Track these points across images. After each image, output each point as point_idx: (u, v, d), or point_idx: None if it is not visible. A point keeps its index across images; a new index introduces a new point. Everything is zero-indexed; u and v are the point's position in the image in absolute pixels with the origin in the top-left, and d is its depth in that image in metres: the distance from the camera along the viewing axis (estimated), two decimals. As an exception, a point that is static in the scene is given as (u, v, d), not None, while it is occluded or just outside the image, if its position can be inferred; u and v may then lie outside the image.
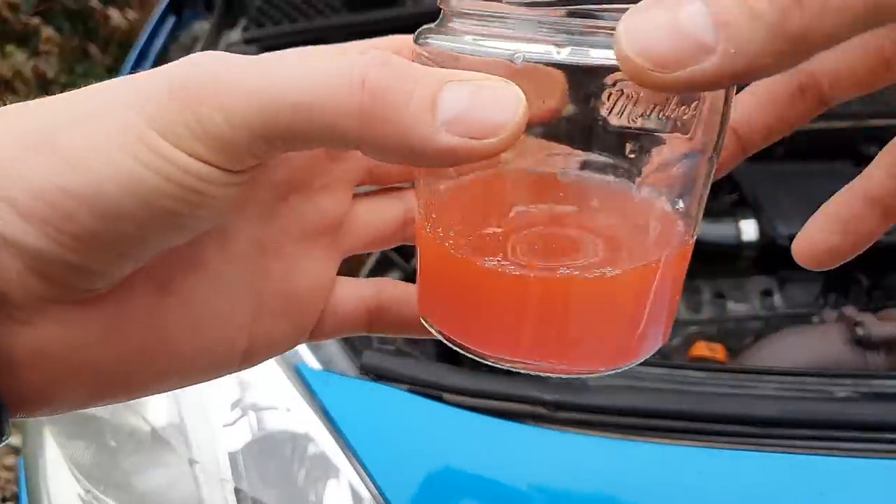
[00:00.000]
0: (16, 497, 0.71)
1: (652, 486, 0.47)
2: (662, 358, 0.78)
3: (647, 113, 0.17)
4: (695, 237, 0.21)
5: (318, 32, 0.89)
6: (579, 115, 0.17)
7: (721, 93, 0.18)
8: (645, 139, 0.18)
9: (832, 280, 0.81)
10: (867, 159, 0.82)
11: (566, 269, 0.19)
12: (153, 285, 0.19)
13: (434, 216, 0.20)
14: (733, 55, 0.14)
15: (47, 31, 1.81)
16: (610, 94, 0.17)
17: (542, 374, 0.21)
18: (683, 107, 0.17)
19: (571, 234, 0.19)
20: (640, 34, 0.14)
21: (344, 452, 0.48)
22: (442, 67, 0.17)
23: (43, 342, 0.17)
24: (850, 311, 0.70)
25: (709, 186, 0.20)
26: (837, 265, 0.23)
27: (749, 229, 0.77)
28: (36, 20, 1.81)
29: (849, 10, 0.13)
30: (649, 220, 0.19)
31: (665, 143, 0.18)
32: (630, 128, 0.17)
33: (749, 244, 0.77)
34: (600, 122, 0.17)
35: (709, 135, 0.18)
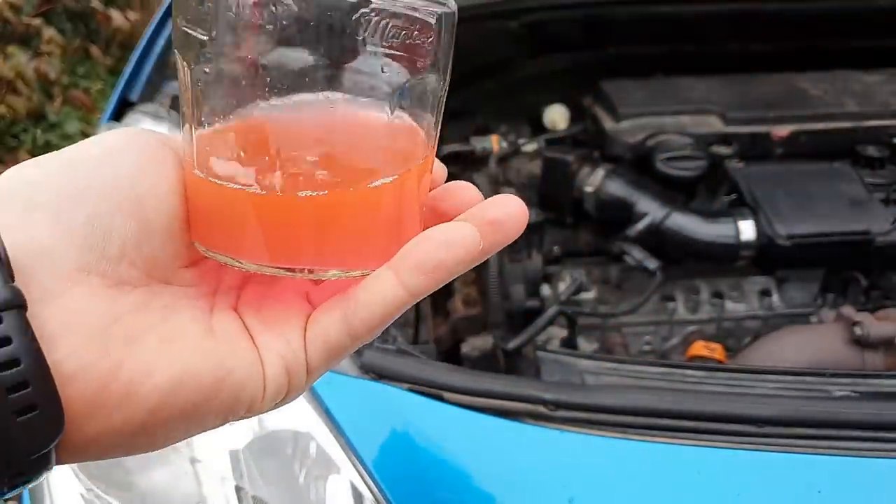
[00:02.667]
0: (18, 496, 0.71)
1: (651, 484, 0.47)
2: (661, 357, 0.78)
3: (395, 37, 0.21)
4: (434, 151, 0.24)
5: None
6: (339, 37, 0.20)
7: (450, 26, 0.22)
8: (390, 62, 0.21)
9: (830, 280, 0.81)
10: (865, 160, 0.83)
11: (310, 192, 0.21)
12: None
13: (199, 143, 0.22)
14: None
15: (49, 32, 1.82)
16: (364, 21, 0.20)
17: (293, 275, 0.23)
18: (421, 35, 0.21)
19: (319, 152, 0.22)
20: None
21: (345, 451, 0.48)
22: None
23: (76, 315, 0.19)
24: (848, 310, 0.70)
25: (442, 107, 0.24)
26: None
27: (747, 229, 0.77)
28: (38, 21, 1.81)
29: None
30: (392, 137, 0.22)
31: (407, 66, 0.21)
32: (378, 51, 0.21)
33: (747, 244, 0.77)
34: (357, 44, 0.20)
35: (440, 63, 0.23)
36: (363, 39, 0.20)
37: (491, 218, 0.23)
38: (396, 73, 0.21)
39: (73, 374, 0.19)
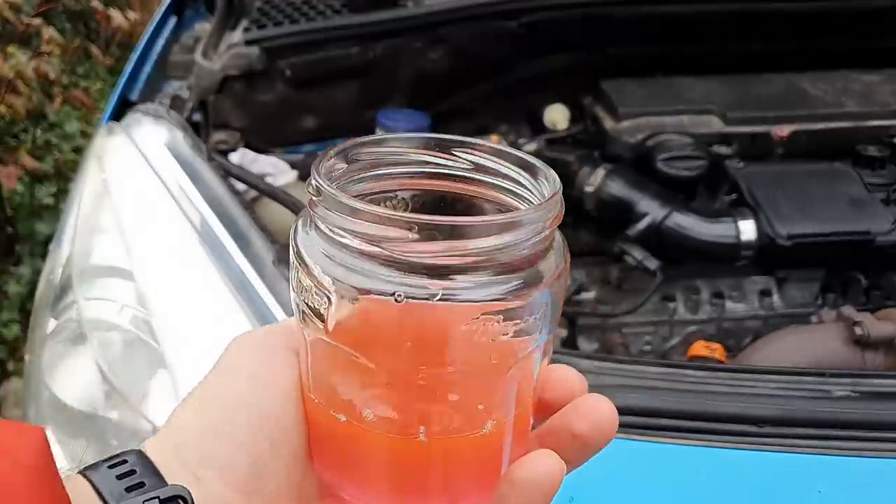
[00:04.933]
0: None
1: (651, 484, 0.47)
2: (661, 357, 0.78)
3: (507, 331, 0.21)
4: (536, 396, 0.25)
5: (319, 33, 0.90)
6: (450, 336, 0.21)
7: (557, 295, 0.23)
8: (508, 344, 0.22)
9: (831, 280, 0.81)
10: (865, 160, 0.82)
11: (422, 437, 0.22)
12: None
13: (314, 380, 0.23)
14: None
15: (49, 32, 1.81)
16: (477, 322, 0.21)
17: None
18: (533, 316, 0.22)
19: (436, 403, 0.22)
20: None
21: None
22: (322, 283, 0.21)
23: None
24: (848, 310, 0.70)
25: (552, 348, 0.25)
26: None
27: (748, 229, 0.77)
28: (37, 21, 1.81)
29: None
30: (508, 388, 0.23)
31: (523, 342, 0.22)
32: (497, 340, 0.21)
33: (748, 244, 0.77)
34: (473, 343, 0.21)
35: (555, 319, 0.23)
36: (476, 341, 0.21)
37: (577, 433, 0.24)
38: (511, 354, 0.22)
39: None
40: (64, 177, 1.70)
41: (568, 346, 0.75)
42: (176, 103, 0.84)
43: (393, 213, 0.21)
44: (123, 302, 0.62)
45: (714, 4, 0.98)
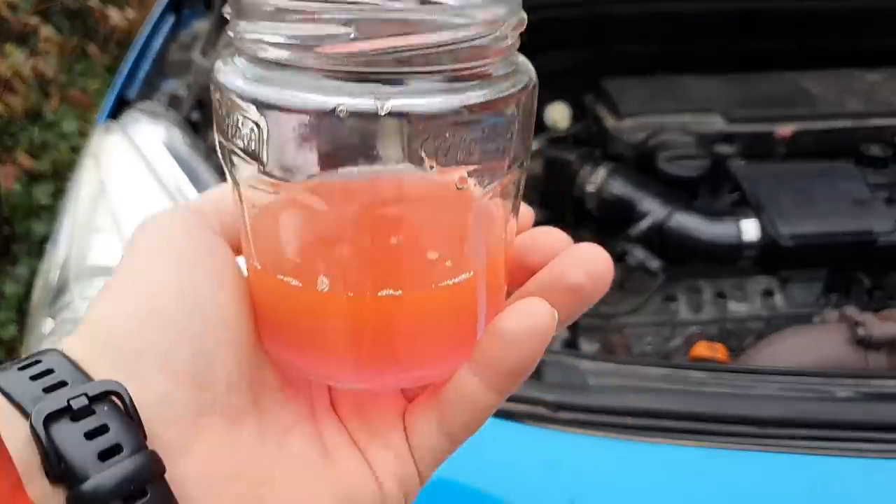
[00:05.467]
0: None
1: (652, 486, 0.47)
2: (663, 358, 0.78)
3: (473, 146, 0.19)
4: (515, 223, 0.22)
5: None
6: (407, 158, 0.18)
7: (531, 99, 0.20)
8: (471, 169, 0.19)
9: (833, 280, 0.81)
10: (868, 159, 0.82)
11: (389, 291, 0.19)
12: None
13: (258, 244, 0.21)
14: None
15: (46, 31, 1.81)
16: (435, 139, 0.18)
17: (390, 387, 0.22)
18: (502, 132, 0.19)
19: (399, 249, 0.20)
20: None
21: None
22: (249, 115, 0.18)
23: (208, 465, 0.19)
24: (851, 311, 0.70)
25: (522, 189, 0.22)
26: None
27: (750, 229, 0.77)
28: (35, 19, 1.81)
29: None
30: (474, 231, 0.20)
31: (487, 168, 0.19)
32: (456, 162, 0.18)
33: (750, 244, 0.77)
34: (429, 164, 0.18)
35: (521, 146, 0.20)
36: (435, 162, 0.18)
37: (571, 284, 0.21)
38: (475, 182, 0.19)
39: None
40: (61, 176, 1.69)
41: (569, 347, 0.74)
42: (174, 102, 0.84)
43: (325, 4, 0.17)
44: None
45: (716, 3, 0.97)
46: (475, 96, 0.18)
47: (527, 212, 0.24)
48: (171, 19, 0.97)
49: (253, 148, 0.19)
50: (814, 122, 0.87)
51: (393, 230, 0.19)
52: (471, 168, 0.19)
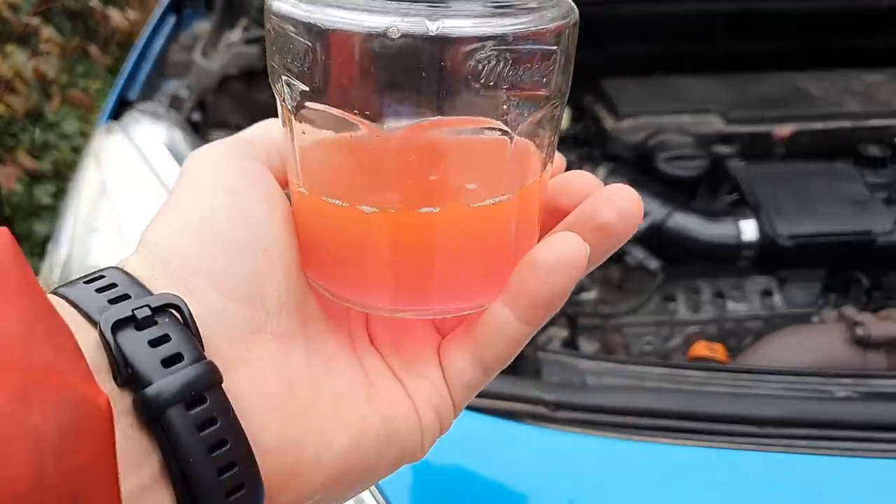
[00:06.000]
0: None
1: (652, 485, 0.47)
2: (662, 358, 0.78)
3: (517, 73, 0.19)
4: (551, 161, 0.23)
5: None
6: (453, 80, 0.18)
7: (573, 34, 0.21)
8: (513, 95, 0.19)
9: (832, 280, 0.81)
10: (867, 159, 0.82)
11: (427, 208, 0.20)
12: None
13: (305, 167, 0.21)
14: None
15: (47, 31, 1.81)
16: (482, 60, 0.18)
17: (425, 316, 0.22)
18: (545, 62, 0.20)
19: (441, 173, 0.20)
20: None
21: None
22: (304, 41, 0.18)
23: (261, 379, 0.19)
24: (849, 310, 0.70)
25: (559, 127, 0.23)
26: None
27: (749, 229, 0.77)
28: (36, 20, 1.81)
29: None
30: (512, 159, 0.21)
31: (529, 96, 0.20)
32: (501, 87, 0.19)
33: (749, 244, 0.77)
34: (475, 87, 0.18)
35: (563, 81, 0.21)
36: (480, 85, 0.19)
37: (601, 222, 0.22)
38: (516, 111, 0.20)
39: (269, 448, 0.19)
40: (62, 176, 1.70)
41: (569, 347, 0.74)
42: (175, 103, 0.84)
43: None
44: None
45: (715, 4, 0.97)
46: (520, 23, 0.19)
47: (559, 157, 0.25)
48: (172, 20, 0.98)
49: (307, 71, 0.19)
50: (812, 122, 0.88)
51: (434, 152, 0.20)
52: (512, 94, 0.19)
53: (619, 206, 0.22)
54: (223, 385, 0.18)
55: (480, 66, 0.18)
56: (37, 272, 0.88)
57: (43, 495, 0.14)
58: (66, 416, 0.15)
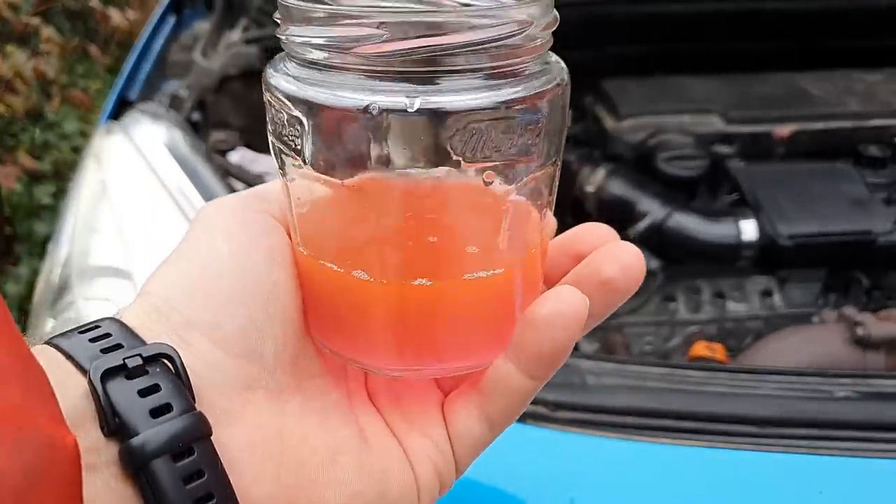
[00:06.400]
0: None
1: (651, 485, 0.47)
2: (662, 358, 0.78)
3: (497, 146, 0.19)
4: (549, 237, 0.23)
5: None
6: (436, 153, 0.19)
7: (563, 98, 0.20)
8: (500, 165, 0.19)
9: (832, 280, 0.81)
10: (867, 159, 0.82)
11: (424, 280, 0.20)
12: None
13: (303, 230, 0.22)
14: None
15: (47, 32, 1.81)
16: (462, 135, 0.18)
17: (428, 376, 0.22)
18: (533, 129, 0.19)
19: (434, 243, 0.20)
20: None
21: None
22: (294, 113, 0.19)
23: (253, 433, 0.19)
24: (849, 311, 0.70)
25: (556, 185, 0.22)
26: None
27: (749, 229, 0.77)
28: (36, 20, 1.81)
29: None
30: (507, 226, 0.21)
31: (518, 162, 0.20)
32: (485, 159, 0.19)
33: (749, 244, 0.77)
34: (456, 159, 0.19)
35: (552, 147, 0.21)
36: (466, 156, 0.19)
37: (605, 278, 0.22)
38: (503, 182, 0.20)
39: (258, 503, 0.19)
40: (62, 176, 1.70)
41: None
42: (175, 103, 0.84)
43: (359, 7, 0.19)
44: (122, 302, 0.62)
45: (715, 4, 0.97)
46: (503, 94, 0.19)
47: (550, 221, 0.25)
48: (172, 20, 0.98)
49: (296, 143, 0.19)
50: (812, 122, 0.88)
51: (426, 223, 0.20)
52: (498, 164, 0.19)
53: (622, 261, 0.22)
54: (213, 438, 0.18)
55: (461, 140, 0.18)
56: (37, 272, 0.88)
57: None
58: (30, 456, 0.14)
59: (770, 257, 0.78)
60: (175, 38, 0.96)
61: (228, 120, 0.90)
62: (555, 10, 0.20)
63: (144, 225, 0.68)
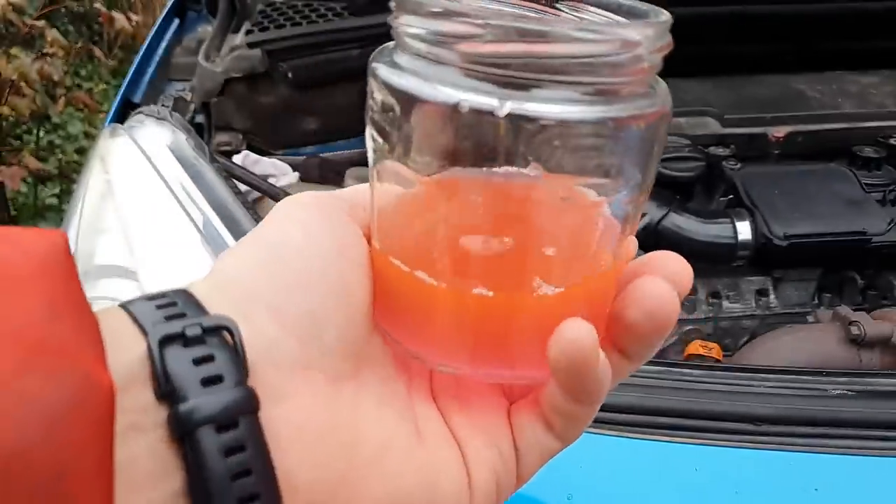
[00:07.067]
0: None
1: (648, 483, 0.47)
2: (658, 356, 0.79)
3: (583, 163, 0.19)
4: (626, 261, 0.22)
5: (320, 36, 0.90)
6: (518, 161, 0.18)
7: (654, 137, 0.20)
8: (582, 183, 0.19)
9: (827, 280, 0.81)
10: (862, 160, 0.83)
11: (483, 290, 0.20)
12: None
13: (379, 223, 0.22)
14: None
15: (52, 34, 1.82)
16: (547, 145, 0.18)
17: (493, 381, 0.23)
18: (617, 155, 0.19)
19: (502, 252, 0.20)
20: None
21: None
22: (388, 100, 0.19)
23: (304, 415, 0.19)
24: (844, 310, 0.70)
25: (639, 215, 0.22)
26: None
27: (744, 230, 0.78)
28: (41, 23, 1.82)
29: None
30: (579, 245, 0.21)
31: (594, 183, 0.19)
32: (567, 174, 0.19)
33: (744, 244, 0.78)
34: (537, 169, 0.18)
35: (634, 174, 0.20)
36: (545, 168, 0.18)
37: (628, 322, 0.21)
38: (583, 200, 0.19)
39: (299, 487, 0.18)
40: (67, 178, 1.71)
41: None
42: (178, 105, 0.85)
43: (471, 6, 0.19)
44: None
45: (710, 6, 0.98)
46: (596, 111, 0.18)
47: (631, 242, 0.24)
48: (175, 23, 0.99)
49: (387, 130, 0.20)
50: (808, 124, 0.88)
51: (495, 230, 0.20)
52: (579, 181, 0.19)
53: (647, 305, 0.20)
54: (261, 414, 0.18)
55: (545, 151, 0.18)
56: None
57: (25, 465, 0.14)
58: (66, 388, 0.15)
59: (765, 257, 0.78)
60: (179, 41, 0.96)
61: (232, 122, 0.91)
62: (669, 34, 0.19)
63: (149, 226, 0.69)
